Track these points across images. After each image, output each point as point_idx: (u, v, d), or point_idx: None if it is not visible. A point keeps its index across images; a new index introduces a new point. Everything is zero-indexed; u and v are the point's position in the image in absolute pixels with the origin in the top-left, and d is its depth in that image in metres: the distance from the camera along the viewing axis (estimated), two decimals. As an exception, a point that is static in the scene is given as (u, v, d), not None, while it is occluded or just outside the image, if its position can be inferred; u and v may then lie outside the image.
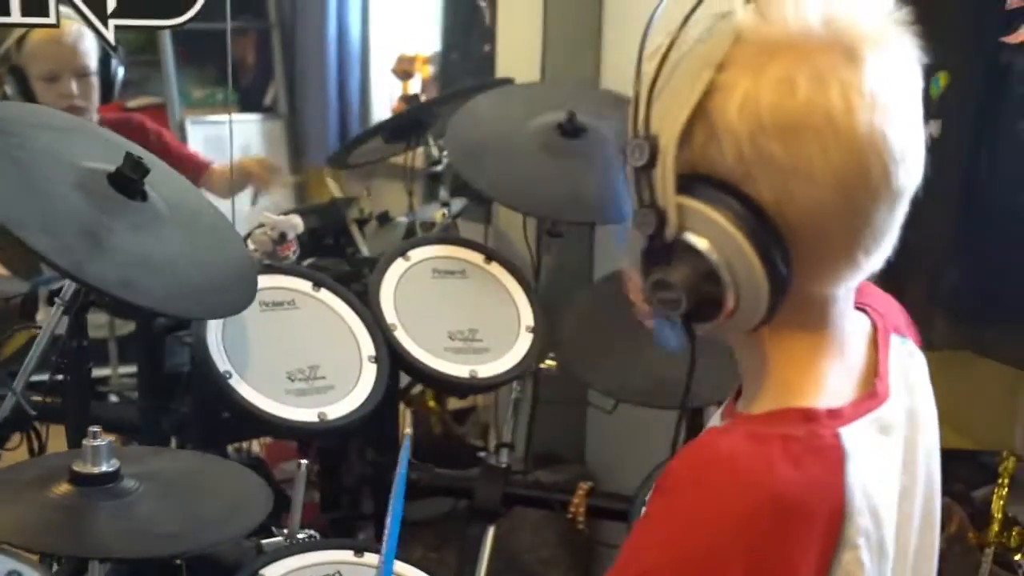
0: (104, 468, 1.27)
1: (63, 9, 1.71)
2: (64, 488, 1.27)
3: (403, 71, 3.80)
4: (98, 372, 2.24)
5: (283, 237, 1.71)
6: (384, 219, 2.51)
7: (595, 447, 2.61)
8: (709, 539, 0.81)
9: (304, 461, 1.55)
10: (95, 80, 2.44)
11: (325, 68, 3.86)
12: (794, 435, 0.85)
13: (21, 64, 2.38)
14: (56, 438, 2.05)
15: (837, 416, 0.87)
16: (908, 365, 1.00)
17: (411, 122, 2.38)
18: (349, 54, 3.89)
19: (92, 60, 2.41)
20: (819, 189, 0.82)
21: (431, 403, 2.87)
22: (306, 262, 2.05)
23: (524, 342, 1.87)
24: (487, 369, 1.81)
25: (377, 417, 1.76)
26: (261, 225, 1.72)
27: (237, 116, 3.91)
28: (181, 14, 1.79)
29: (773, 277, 0.84)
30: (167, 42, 3.87)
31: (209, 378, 1.59)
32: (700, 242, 0.84)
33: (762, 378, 0.92)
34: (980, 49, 1.93)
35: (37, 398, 1.79)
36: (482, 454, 2.02)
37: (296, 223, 1.71)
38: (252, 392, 1.59)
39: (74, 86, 2.41)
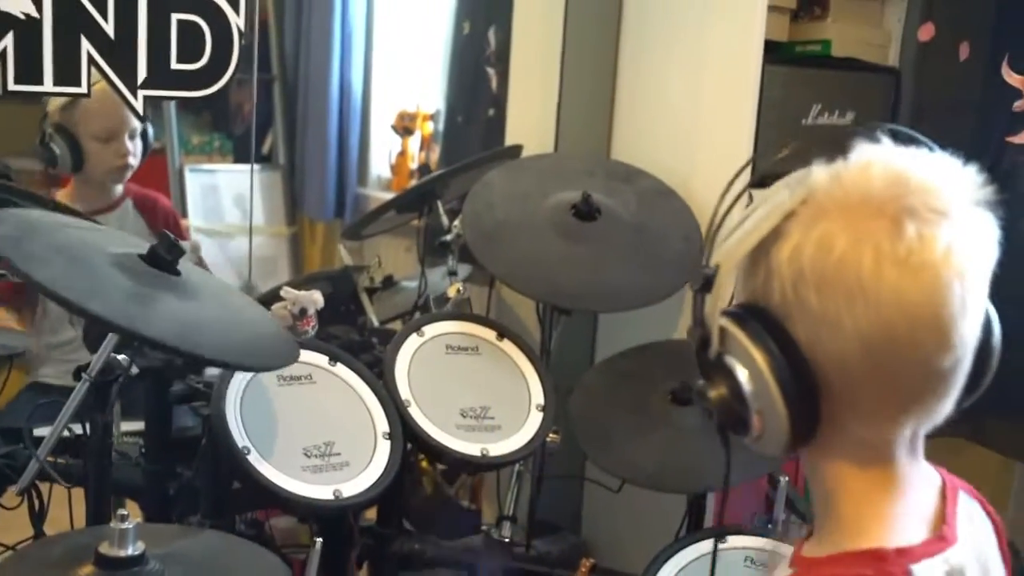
0: (130, 551, 1.27)
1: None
2: (88, 570, 1.27)
3: (403, 127, 3.84)
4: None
5: (303, 312, 1.72)
6: (389, 283, 2.52)
7: (591, 519, 2.62)
8: None
9: (319, 540, 1.56)
10: (140, 139, 2.48)
11: (326, 121, 3.89)
12: (864, 574, 0.89)
13: (71, 123, 2.40)
14: (58, 497, 2.04)
15: (907, 554, 0.91)
16: (976, 522, 1.03)
17: (423, 193, 2.41)
18: (350, 108, 3.92)
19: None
20: (844, 340, 0.88)
21: (423, 464, 2.87)
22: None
23: (534, 420, 1.88)
24: (498, 448, 1.83)
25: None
26: (282, 299, 1.73)
27: (235, 166, 3.92)
28: (209, 86, 1.83)
29: (794, 418, 0.90)
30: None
31: (227, 453, 1.59)
32: (739, 370, 0.92)
33: (828, 515, 0.97)
34: (986, 148, 1.99)
35: (48, 459, 1.78)
36: (485, 527, 2.03)
37: (317, 299, 1.73)
38: (270, 468, 1.60)
39: (129, 144, 2.45)
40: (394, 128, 3.87)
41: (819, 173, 0.91)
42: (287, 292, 1.72)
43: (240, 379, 1.65)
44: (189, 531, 1.44)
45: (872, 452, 0.94)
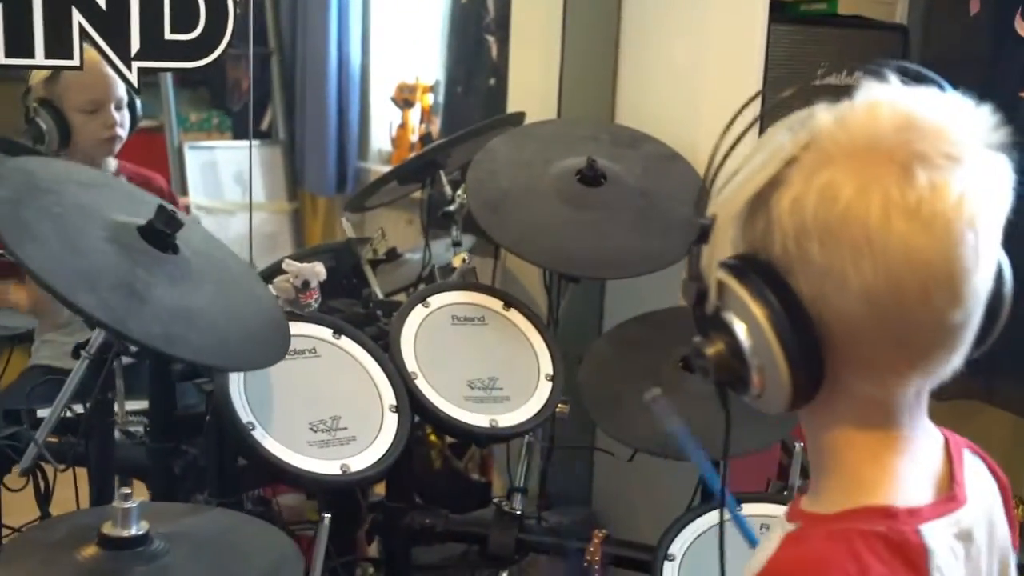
0: (134, 531, 1.25)
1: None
2: (92, 551, 1.25)
3: (403, 99, 3.80)
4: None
5: (306, 285, 1.69)
6: (392, 255, 2.49)
7: (602, 490, 2.60)
8: None
9: (327, 515, 1.54)
10: (127, 111, 2.43)
11: (324, 95, 3.85)
12: (875, 531, 0.85)
13: (55, 96, 2.34)
14: (64, 478, 2.02)
15: (916, 514, 0.87)
16: (983, 481, 1.00)
17: (425, 163, 2.37)
18: (349, 81, 3.88)
19: (124, 90, 2.40)
20: (850, 296, 0.83)
21: (432, 437, 2.85)
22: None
23: (543, 390, 1.86)
24: (507, 418, 1.80)
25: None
26: (284, 272, 1.70)
27: (235, 142, 3.89)
28: (203, 56, 1.79)
29: (796, 374, 0.85)
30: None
31: (232, 429, 1.57)
32: (738, 325, 0.87)
33: (830, 473, 0.92)
34: (998, 104, 1.95)
35: (52, 439, 1.76)
36: (495, 499, 2.00)
37: (319, 271, 1.70)
38: (275, 444, 1.57)
39: (115, 115, 2.39)
40: (394, 100, 3.83)
41: (822, 115, 0.85)
42: (289, 265, 1.69)
43: (243, 354, 1.62)
44: (195, 509, 1.42)
45: (876, 410, 0.90)
